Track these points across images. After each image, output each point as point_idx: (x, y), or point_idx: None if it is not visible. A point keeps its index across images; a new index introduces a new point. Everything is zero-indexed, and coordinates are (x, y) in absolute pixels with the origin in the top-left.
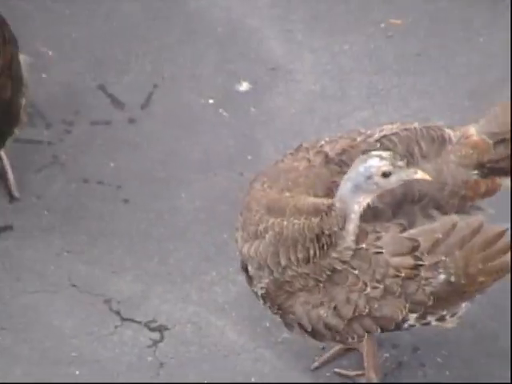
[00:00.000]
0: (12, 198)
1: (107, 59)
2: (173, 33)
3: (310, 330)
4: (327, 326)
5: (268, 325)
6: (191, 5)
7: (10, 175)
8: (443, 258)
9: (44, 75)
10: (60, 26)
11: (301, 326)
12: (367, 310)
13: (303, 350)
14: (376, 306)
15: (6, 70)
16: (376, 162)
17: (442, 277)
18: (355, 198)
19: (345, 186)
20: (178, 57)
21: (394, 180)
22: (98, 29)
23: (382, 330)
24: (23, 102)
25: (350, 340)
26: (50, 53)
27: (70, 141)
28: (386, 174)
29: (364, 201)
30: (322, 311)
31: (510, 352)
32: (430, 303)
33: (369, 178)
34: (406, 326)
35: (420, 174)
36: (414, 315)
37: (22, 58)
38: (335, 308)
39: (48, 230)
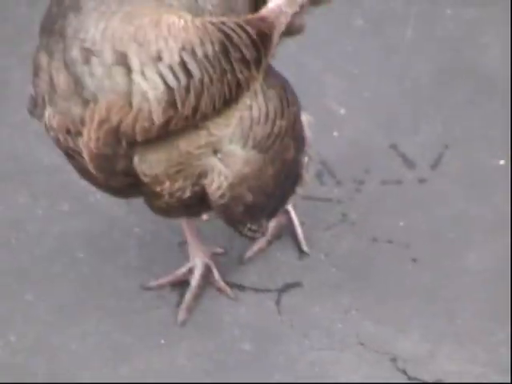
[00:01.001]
0: (301, 253)
1: (398, 118)
2: (463, 93)
3: None
4: None
5: None
6: (480, 65)
7: (299, 231)
8: None
9: (335, 133)
10: (351, 85)
11: None
12: None
13: None
14: None
15: (290, 131)
16: None
17: None
18: None
19: None
20: (469, 117)
21: None
22: (390, 88)
23: None
24: (306, 160)
25: None
26: (342, 111)
27: (360, 199)
28: None
29: None
30: None
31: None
32: None
33: None
34: None
35: None
36: None
37: (305, 117)
38: None
39: (336, 288)
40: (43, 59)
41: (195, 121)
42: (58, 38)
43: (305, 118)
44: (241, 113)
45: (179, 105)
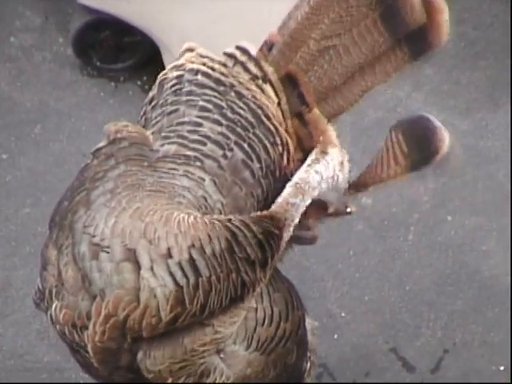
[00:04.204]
0: None
1: (399, 322)
2: (463, 298)
3: None
4: None
5: None
6: (480, 272)
7: None
8: None
9: (336, 336)
10: (352, 288)
11: None
12: None
13: None
14: None
15: (293, 335)
16: None
17: None
18: None
19: None
20: (469, 322)
21: None
22: (391, 292)
23: None
24: (307, 366)
25: None
26: (343, 314)
27: None
28: None
29: None
30: None
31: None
32: None
33: None
34: None
35: None
36: None
37: (309, 322)
38: None
39: None
40: (52, 253)
41: (202, 318)
42: (67, 233)
43: (309, 322)
44: (246, 313)
45: (187, 302)
